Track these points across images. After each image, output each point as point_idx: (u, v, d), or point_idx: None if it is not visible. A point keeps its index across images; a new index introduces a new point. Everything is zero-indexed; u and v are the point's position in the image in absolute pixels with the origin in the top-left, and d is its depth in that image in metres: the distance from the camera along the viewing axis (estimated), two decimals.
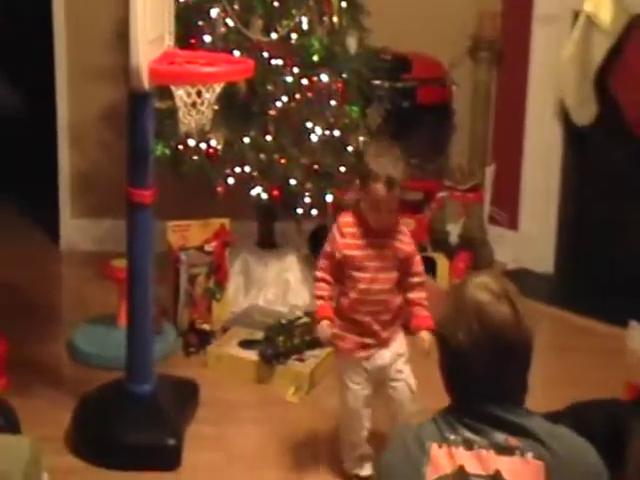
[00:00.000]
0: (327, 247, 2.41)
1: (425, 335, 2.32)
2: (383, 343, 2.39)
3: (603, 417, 2.09)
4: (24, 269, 3.78)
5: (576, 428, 1.56)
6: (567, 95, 3.59)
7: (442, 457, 1.48)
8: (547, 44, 3.75)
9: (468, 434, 1.49)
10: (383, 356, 2.40)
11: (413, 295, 2.38)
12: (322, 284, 2.39)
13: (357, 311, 2.38)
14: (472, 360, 1.49)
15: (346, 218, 2.40)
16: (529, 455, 1.45)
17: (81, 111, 3.92)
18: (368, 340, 2.39)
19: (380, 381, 2.42)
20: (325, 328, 2.37)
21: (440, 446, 1.50)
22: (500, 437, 1.47)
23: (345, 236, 2.36)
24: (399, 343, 2.42)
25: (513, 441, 1.47)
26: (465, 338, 1.48)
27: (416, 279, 2.40)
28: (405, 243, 2.39)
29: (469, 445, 1.48)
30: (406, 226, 2.45)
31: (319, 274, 2.41)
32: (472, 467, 1.47)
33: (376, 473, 1.69)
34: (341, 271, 2.38)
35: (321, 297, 2.39)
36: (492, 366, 1.49)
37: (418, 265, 2.41)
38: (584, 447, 1.51)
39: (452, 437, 1.50)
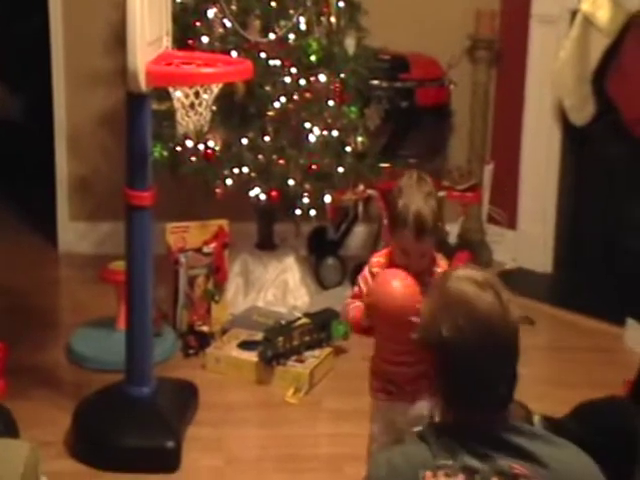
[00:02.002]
0: (356, 288, 2.15)
1: None
2: (405, 397, 2.11)
3: (612, 416, 2.07)
4: (22, 272, 3.77)
5: (588, 430, 1.51)
6: (565, 95, 3.58)
7: None
8: (545, 44, 3.75)
9: (469, 460, 1.35)
10: (404, 409, 2.12)
11: None
12: (352, 305, 2.12)
13: (381, 356, 2.15)
14: (459, 357, 1.37)
15: (377, 258, 2.15)
16: None
17: (79, 115, 3.91)
18: (391, 387, 2.14)
19: (401, 436, 2.11)
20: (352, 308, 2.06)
21: (435, 474, 1.36)
22: (504, 463, 1.35)
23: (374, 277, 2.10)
24: (422, 405, 2.09)
25: (518, 468, 1.35)
26: (450, 333, 1.36)
27: None
28: None
29: (470, 474, 1.35)
30: (444, 267, 2.11)
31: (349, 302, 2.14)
32: None
33: None
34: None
35: (353, 308, 2.10)
36: (480, 362, 1.37)
37: None
38: (590, 469, 1.40)
39: (449, 463, 1.36)
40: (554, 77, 3.60)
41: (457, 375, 1.39)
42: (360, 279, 2.16)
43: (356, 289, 2.16)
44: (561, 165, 3.82)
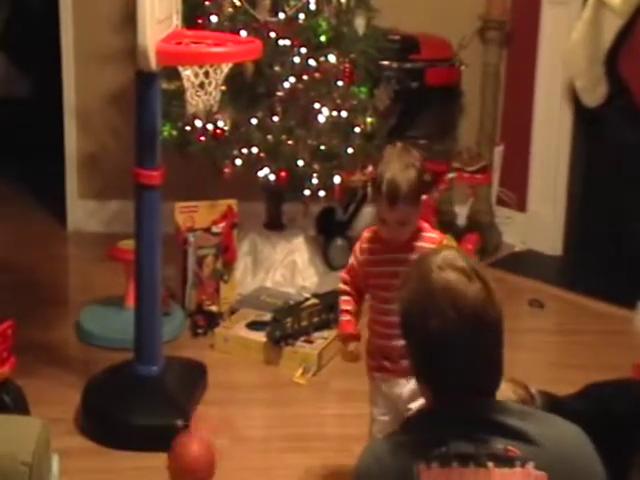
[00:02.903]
0: (350, 260, 2.22)
1: None
2: (401, 372, 2.12)
3: (622, 398, 2.07)
4: (31, 250, 3.79)
5: (596, 411, 1.50)
6: (577, 76, 3.55)
7: None
8: (557, 25, 3.72)
9: (462, 445, 1.30)
10: (401, 385, 2.15)
11: None
12: (345, 297, 2.20)
13: (374, 331, 2.19)
14: (450, 348, 1.33)
15: (366, 233, 2.20)
16: (530, 465, 1.29)
17: (88, 93, 3.91)
18: (386, 363, 2.17)
19: (400, 413, 2.17)
20: (350, 348, 2.17)
21: (429, 466, 1.29)
22: (498, 446, 1.30)
23: (363, 252, 2.17)
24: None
25: (513, 450, 1.30)
26: (439, 326, 1.32)
27: None
28: None
29: (464, 460, 1.29)
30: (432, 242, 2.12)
31: (341, 287, 2.22)
32: None
33: None
34: (364, 286, 2.20)
35: (345, 312, 2.19)
36: (470, 350, 1.33)
37: None
38: (582, 446, 1.37)
39: (442, 450, 1.30)
40: (566, 58, 3.57)
41: (446, 364, 1.36)
42: (352, 253, 2.21)
43: (351, 261, 2.20)
44: (572, 147, 3.80)
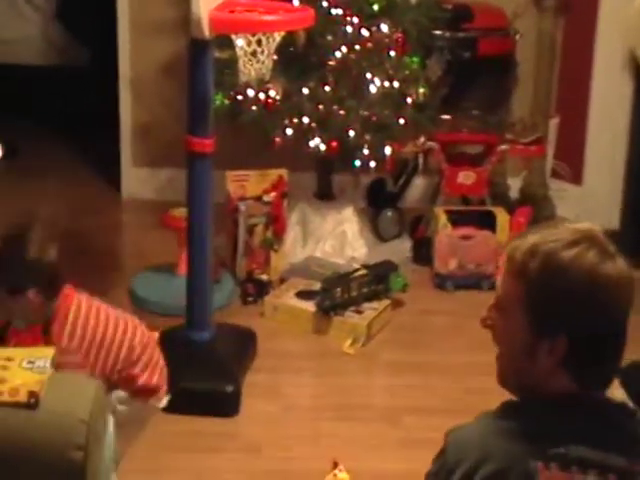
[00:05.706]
0: None
1: None
2: None
3: None
4: (87, 217, 3.85)
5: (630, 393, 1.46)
6: (638, 45, 3.47)
7: None
8: None
9: (582, 449, 1.16)
10: None
11: None
12: None
13: None
14: (609, 341, 1.23)
15: None
16: None
17: (143, 62, 3.94)
18: None
19: None
20: None
21: (547, 466, 1.14)
22: (621, 460, 1.17)
23: None
24: None
25: (638, 465, 1.17)
26: (610, 319, 1.23)
27: None
28: None
29: (584, 466, 1.15)
30: None
31: None
32: None
33: None
34: None
35: None
36: (623, 341, 1.24)
37: None
38: None
39: (561, 450, 1.15)
40: (627, 26, 3.49)
41: (598, 360, 1.23)
42: None
43: None
44: (631, 118, 3.71)
